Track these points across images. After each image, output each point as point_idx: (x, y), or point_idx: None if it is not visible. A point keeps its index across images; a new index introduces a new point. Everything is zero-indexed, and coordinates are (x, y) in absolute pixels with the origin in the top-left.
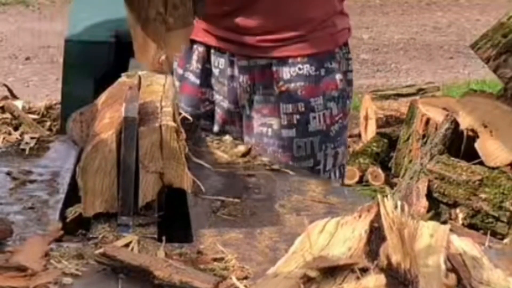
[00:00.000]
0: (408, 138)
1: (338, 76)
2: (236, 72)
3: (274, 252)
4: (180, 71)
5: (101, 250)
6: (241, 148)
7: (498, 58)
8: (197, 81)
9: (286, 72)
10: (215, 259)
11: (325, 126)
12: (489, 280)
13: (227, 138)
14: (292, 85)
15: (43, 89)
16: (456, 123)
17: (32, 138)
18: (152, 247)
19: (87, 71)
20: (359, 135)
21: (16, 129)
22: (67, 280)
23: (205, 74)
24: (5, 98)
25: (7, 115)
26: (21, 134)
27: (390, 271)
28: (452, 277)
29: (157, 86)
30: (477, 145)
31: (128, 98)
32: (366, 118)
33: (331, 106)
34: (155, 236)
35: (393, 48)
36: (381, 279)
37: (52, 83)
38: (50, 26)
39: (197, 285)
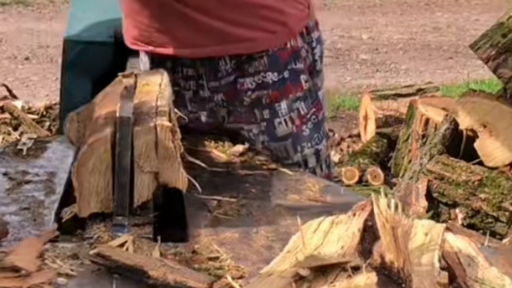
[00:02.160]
0: (407, 138)
1: (303, 77)
2: (207, 93)
3: (269, 252)
4: None
5: (96, 250)
6: (239, 148)
7: (498, 58)
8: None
9: (251, 82)
10: (210, 259)
11: (295, 128)
12: (484, 278)
13: (225, 137)
14: (257, 93)
15: (42, 89)
16: (455, 123)
17: (29, 138)
18: (147, 247)
19: (86, 71)
20: (358, 135)
21: (15, 129)
22: (62, 280)
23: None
24: (5, 98)
25: (7, 115)
26: (21, 134)
27: (383, 269)
28: (444, 275)
29: (153, 85)
30: (476, 145)
31: (123, 98)
32: (366, 118)
33: (297, 106)
34: (150, 236)
35: (392, 48)
36: (372, 277)
37: (52, 83)
38: (49, 26)
39: (192, 284)
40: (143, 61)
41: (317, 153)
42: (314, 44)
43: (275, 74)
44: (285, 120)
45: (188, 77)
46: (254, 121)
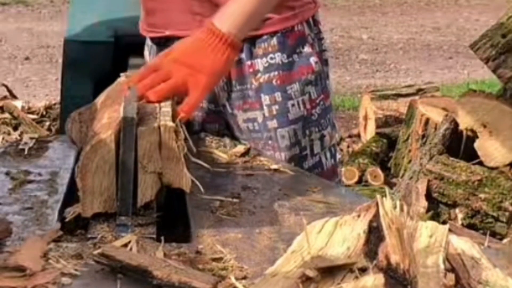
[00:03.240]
0: (407, 138)
1: (313, 59)
2: None
3: (273, 252)
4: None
5: (99, 250)
6: (240, 148)
7: (498, 58)
8: None
9: (259, 64)
10: (213, 259)
11: (306, 112)
12: (488, 280)
13: (226, 138)
14: (267, 75)
15: (42, 89)
16: (455, 123)
17: (31, 138)
18: (151, 247)
19: (87, 71)
20: (358, 135)
21: (15, 129)
22: (66, 280)
23: None
24: (5, 98)
25: (7, 115)
26: (21, 134)
27: (389, 271)
28: (451, 277)
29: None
30: (476, 145)
31: (127, 98)
32: (366, 118)
33: (309, 90)
34: (154, 236)
35: (392, 48)
36: (380, 278)
37: (52, 83)
38: (50, 26)
39: (196, 285)
40: (150, 47)
41: (322, 138)
42: (321, 35)
43: (284, 55)
44: (297, 103)
45: None
46: (260, 107)
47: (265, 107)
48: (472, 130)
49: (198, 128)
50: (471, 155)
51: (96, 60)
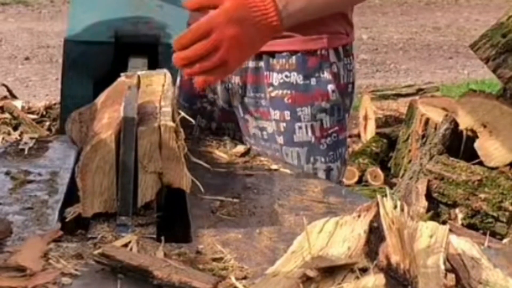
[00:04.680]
0: (407, 138)
1: (331, 87)
2: None
3: (273, 252)
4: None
5: (100, 250)
6: (240, 148)
7: (498, 58)
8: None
9: (275, 78)
10: (214, 259)
11: (314, 138)
12: (488, 280)
13: (226, 138)
14: (280, 92)
15: (42, 89)
16: (455, 123)
17: (31, 138)
18: (151, 247)
19: (87, 71)
20: (358, 135)
21: (15, 129)
22: (66, 280)
23: None
24: (5, 98)
25: (7, 115)
26: (21, 134)
27: (389, 271)
28: (451, 277)
29: (156, 86)
30: (476, 145)
31: (127, 98)
32: (366, 118)
33: (321, 118)
34: (154, 236)
35: (392, 48)
36: (381, 278)
37: (52, 83)
38: (50, 26)
39: (196, 285)
40: None
41: (328, 171)
42: (350, 67)
43: (300, 76)
44: (305, 126)
45: None
46: (270, 118)
47: (273, 122)
48: (472, 130)
49: (216, 125)
50: (471, 155)
51: (96, 60)
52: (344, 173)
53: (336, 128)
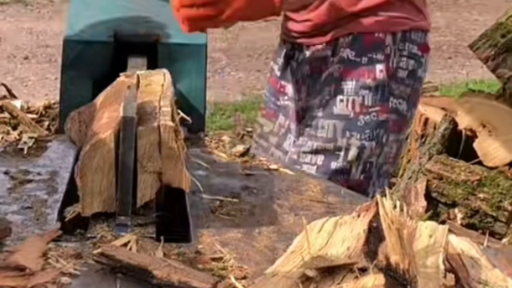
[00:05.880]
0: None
1: (379, 67)
2: (295, 65)
3: (272, 252)
4: (271, 63)
5: (99, 250)
6: (240, 148)
7: (497, 58)
8: (278, 73)
9: (334, 60)
10: (213, 259)
11: (353, 113)
12: (487, 280)
13: (226, 138)
14: (333, 67)
15: (41, 89)
16: (454, 123)
17: (30, 137)
18: (151, 246)
19: (86, 70)
20: None
21: (14, 128)
22: (65, 279)
23: (287, 68)
24: (4, 97)
25: (6, 114)
26: (20, 134)
27: (388, 271)
28: (451, 277)
29: (155, 86)
30: (475, 145)
31: (127, 97)
32: None
33: (364, 94)
34: (154, 236)
35: None
36: (380, 278)
37: (51, 83)
38: (49, 25)
39: (196, 285)
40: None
41: (361, 148)
42: (405, 53)
43: (353, 53)
44: (347, 100)
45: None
46: (318, 94)
47: (323, 94)
48: (471, 130)
49: (294, 127)
50: (470, 155)
51: (96, 60)
52: (376, 155)
53: (378, 108)
